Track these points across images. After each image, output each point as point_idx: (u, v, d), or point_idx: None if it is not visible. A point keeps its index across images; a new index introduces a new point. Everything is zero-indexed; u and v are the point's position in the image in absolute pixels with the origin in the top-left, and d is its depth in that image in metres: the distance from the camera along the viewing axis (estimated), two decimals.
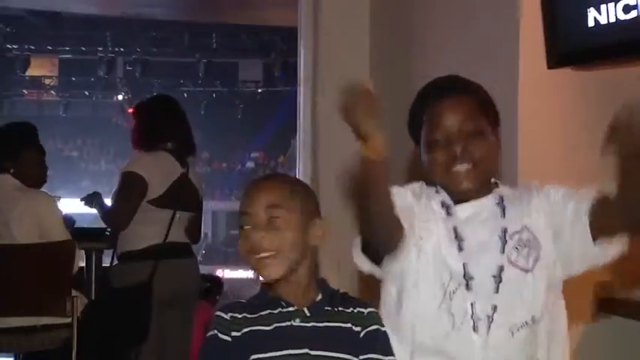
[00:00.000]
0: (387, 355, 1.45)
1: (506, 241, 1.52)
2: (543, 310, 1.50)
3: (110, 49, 17.59)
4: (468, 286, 1.50)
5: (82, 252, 3.32)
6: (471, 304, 1.49)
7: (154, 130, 3.22)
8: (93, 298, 3.52)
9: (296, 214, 1.46)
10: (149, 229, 3.12)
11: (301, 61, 3.40)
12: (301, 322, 1.44)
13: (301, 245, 1.47)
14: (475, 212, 1.56)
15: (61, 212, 3.20)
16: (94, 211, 3.37)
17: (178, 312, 3.20)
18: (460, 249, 1.52)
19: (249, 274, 18.72)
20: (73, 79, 19.35)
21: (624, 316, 2.11)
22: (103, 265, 3.77)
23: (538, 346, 1.50)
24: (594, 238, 1.48)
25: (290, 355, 1.41)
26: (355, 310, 1.46)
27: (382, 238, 1.50)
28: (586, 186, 1.97)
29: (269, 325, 1.44)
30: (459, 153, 1.51)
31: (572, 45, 2.11)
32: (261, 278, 1.47)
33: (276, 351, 1.41)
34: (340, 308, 1.47)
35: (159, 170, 3.15)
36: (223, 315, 1.46)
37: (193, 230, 3.30)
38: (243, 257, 1.45)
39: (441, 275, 1.51)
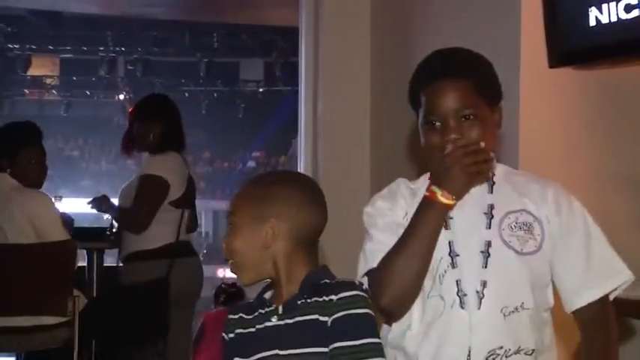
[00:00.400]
0: (360, 339, 1.36)
1: (492, 216, 1.51)
2: (532, 298, 1.49)
3: (111, 48, 17.57)
4: (453, 264, 1.49)
5: (83, 251, 3.32)
6: (457, 282, 1.48)
7: (171, 132, 3.24)
8: (94, 296, 3.52)
9: (245, 219, 1.45)
10: (162, 228, 3.16)
11: (302, 60, 3.40)
12: (277, 320, 1.42)
13: (256, 249, 1.45)
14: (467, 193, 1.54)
15: (58, 211, 3.19)
16: (95, 210, 3.37)
17: (183, 310, 3.23)
18: (446, 227, 1.51)
19: None
20: (74, 78, 19.32)
21: (626, 316, 2.11)
22: (105, 264, 3.78)
23: (528, 335, 1.48)
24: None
25: (261, 358, 1.39)
26: (327, 299, 1.40)
27: (409, 297, 1.48)
28: (586, 185, 1.97)
29: (251, 327, 1.44)
30: (454, 139, 1.49)
31: (574, 44, 2.11)
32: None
33: (255, 354, 1.40)
34: (314, 299, 1.41)
35: (176, 172, 3.21)
36: (229, 316, 1.49)
37: (193, 222, 3.37)
38: None
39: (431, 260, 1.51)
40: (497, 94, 1.57)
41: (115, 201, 3.38)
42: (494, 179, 1.56)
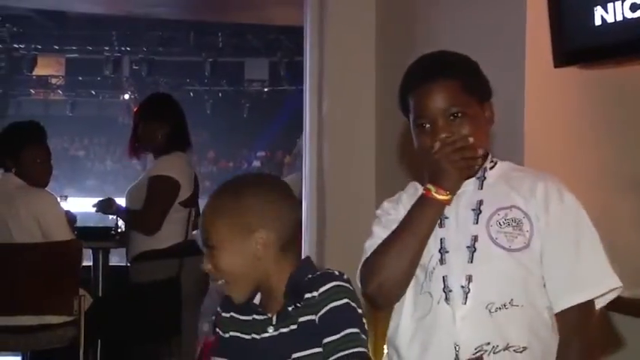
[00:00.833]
0: (340, 331, 1.36)
1: (480, 212, 1.52)
2: (524, 296, 1.48)
3: (116, 48, 17.60)
4: (442, 260, 1.51)
5: (88, 251, 3.33)
6: (443, 277, 1.49)
7: (176, 132, 3.25)
8: (100, 296, 3.53)
9: (227, 236, 1.43)
10: (172, 228, 3.18)
11: (307, 60, 3.40)
12: (274, 331, 1.42)
13: (246, 264, 1.43)
14: (461, 192, 1.56)
15: (63, 211, 3.20)
16: (101, 213, 3.38)
17: (191, 309, 3.24)
18: (441, 225, 1.53)
19: None
20: (80, 78, 19.36)
21: (630, 315, 2.10)
22: (110, 264, 3.79)
23: (518, 332, 1.47)
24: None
25: None
26: (310, 296, 1.40)
27: (394, 287, 1.51)
28: (590, 184, 1.96)
29: (249, 334, 1.44)
30: (444, 137, 1.50)
31: (579, 44, 2.10)
32: None
33: None
34: (302, 303, 1.42)
35: (184, 172, 3.22)
36: (220, 312, 1.49)
37: (196, 222, 3.38)
38: None
39: (423, 257, 1.52)
40: (486, 91, 1.58)
41: (121, 201, 3.39)
42: (486, 175, 1.56)
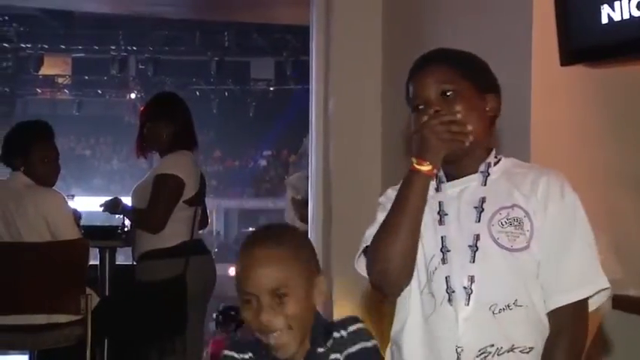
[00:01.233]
0: None
1: (482, 210, 1.49)
2: (528, 296, 1.46)
3: (123, 47, 17.63)
4: (444, 260, 1.48)
5: (95, 250, 3.34)
6: (446, 278, 1.48)
7: (182, 131, 3.25)
8: (107, 295, 3.54)
9: (301, 285, 1.41)
10: (177, 227, 3.18)
11: (313, 59, 3.40)
12: None
13: (309, 310, 1.43)
14: (463, 188, 1.53)
15: (71, 210, 3.21)
16: (108, 213, 3.39)
17: (197, 308, 3.24)
18: (441, 223, 1.51)
19: None
20: (86, 77, 19.41)
21: (636, 313, 2.10)
22: (116, 263, 3.79)
23: (524, 333, 1.46)
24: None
25: None
26: (337, 335, 1.41)
27: (395, 271, 1.49)
28: (596, 183, 1.95)
29: None
30: (434, 111, 1.49)
31: (586, 42, 2.10)
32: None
33: None
34: (330, 343, 1.41)
35: (190, 170, 3.22)
36: (233, 355, 1.44)
37: (202, 220, 3.39)
38: (252, 330, 1.42)
39: (424, 255, 1.51)
40: (486, 82, 1.56)
41: (127, 200, 3.39)
42: (490, 171, 1.53)
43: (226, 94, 19.58)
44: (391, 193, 1.58)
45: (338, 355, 1.40)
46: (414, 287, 1.52)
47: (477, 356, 1.44)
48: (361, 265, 1.56)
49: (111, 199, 3.37)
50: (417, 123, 1.52)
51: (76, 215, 3.43)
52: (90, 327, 3.00)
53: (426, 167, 1.47)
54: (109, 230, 3.63)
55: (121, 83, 19.47)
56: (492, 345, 1.45)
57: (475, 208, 1.50)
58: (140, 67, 18.74)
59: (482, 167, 1.54)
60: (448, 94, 1.50)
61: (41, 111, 17.90)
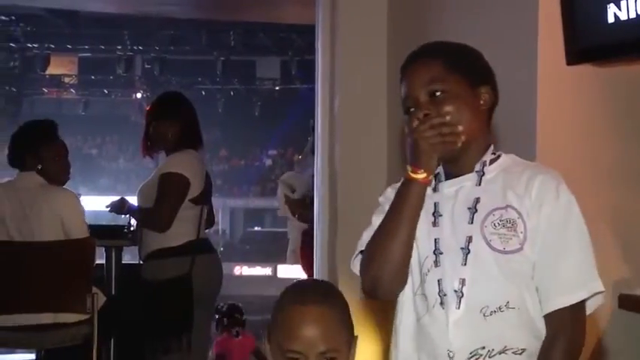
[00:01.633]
0: None
1: (476, 211, 1.47)
2: (520, 298, 1.45)
3: (129, 47, 17.67)
4: (436, 262, 1.47)
5: (101, 249, 3.35)
6: (438, 281, 1.46)
7: (187, 130, 3.26)
8: (113, 294, 3.55)
9: (346, 348, 1.43)
10: (183, 226, 3.19)
11: (319, 58, 3.40)
12: None
13: None
14: (459, 187, 1.51)
15: (83, 209, 3.21)
16: (115, 213, 3.40)
17: (203, 307, 3.25)
18: (435, 224, 1.49)
19: (266, 271, 18.74)
20: (92, 77, 19.46)
21: None
22: (123, 262, 3.80)
23: (515, 335, 1.44)
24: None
25: None
26: None
27: (388, 278, 1.48)
28: (603, 182, 1.94)
29: None
30: (424, 114, 1.47)
31: (592, 41, 2.09)
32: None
33: None
34: None
35: (196, 169, 3.22)
36: None
37: (209, 220, 3.40)
38: None
39: (418, 256, 1.49)
40: (475, 74, 1.52)
41: (133, 199, 3.40)
42: (485, 170, 1.50)
43: (232, 93, 19.60)
44: (390, 192, 1.57)
45: None
46: (408, 288, 1.51)
47: (469, 359, 1.43)
48: (357, 267, 1.55)
49: (117, 200, 3.38)
50: (408, 126, 1.49)
51: None
52: (96, 326, 3.00)
53: (420, 175, 1.46)
54: (116, 229, 3.64)
55: (127, 83, 19.51)
56: (484, 347, 1.43)
57: (469, 209, 1.48)
58: (146, 66, 18.77)
59: (477, 167, 1.51)
60: (437, 94, 1.47)
61: (48, 110, 17.95)
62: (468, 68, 1.51)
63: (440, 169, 1.53)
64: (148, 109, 3.52)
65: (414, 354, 1.50)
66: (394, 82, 3.43)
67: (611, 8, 2.02)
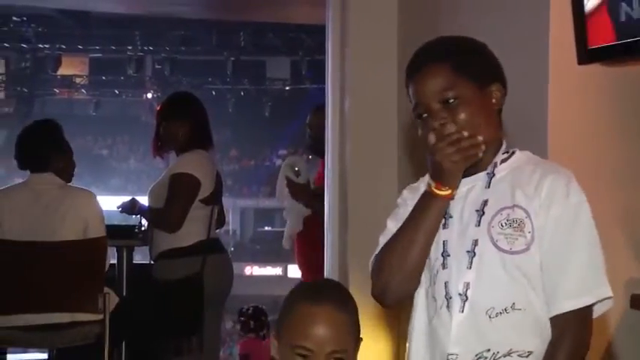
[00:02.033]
0: None
1: (483, 213, 1.46)
2: (526, 299, 1.43)
3: (139, 47, 17.74)
4: (444, 265, 1.46)
5: (112, 249, 3.36)
6: (445, 283, 1.46)
7: (198, 130, 3.26)
8: (124, 294, 3.56)
9: (353, 350, 1.46)
10: (194, 226, 3.20)
11: (329, 58, 3.40)
12: None
13: None
14: (470, 187, 1.49)
15: (101, 208, 3.22)
16: (126, 214, 3.41)
17: (214, 307, 3.26)
18: (445, 226, 1.48)
19: (277, 270, 18.76)
20: (103, 77, 19.54)
21: None
22: (134, 262, 3.82)
23: (522, 337, 1.43)
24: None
25: None
26: None
27: (398, 287, 1.49)
28: (614, 183, 1.93)
29: None
30: (439, 125, 1.44)
31: (603, 40, 2.08)
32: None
33: None
34: None
35: (207, 169, 3.23)
36: None
37: (221, 217, 3.41)
38: None
39: (429, 258, 1.49)
40: (485, 74, 1.49)
41: (144, 199, 3.42)
42: (496, 171, 1.49)
43: (242, 93, 19.63)
44: (407, 194, 1.57)
45: None
46: (422, 289, 1.51)
47: None
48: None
49: (128, 201, 3.39)
50: (423, 131, 1.48)
51: None
52: (108, 326, 3.01)
53: (445, 192, 1.45)
54: (127, 229, 3.66)
55: (138, 83, 19.58)
56: (489, 350, 1.42)
57: (477, 211, 1.47)
58: (157, 66, 18.83)
59: (489, 168, 1.50)
60: (451, 101, 1.45)
61: (59, 111, 18.04)
62: (477, 69, 1.49)
63: None
64: (158, 109, 3.54)
65: (425, 354, 1.50)
66: (405, 83, 3.42)
67: (623, 7, 2.01)
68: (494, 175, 1.49)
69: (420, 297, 1.52)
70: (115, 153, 22.60)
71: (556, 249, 1.43)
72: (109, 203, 3.65)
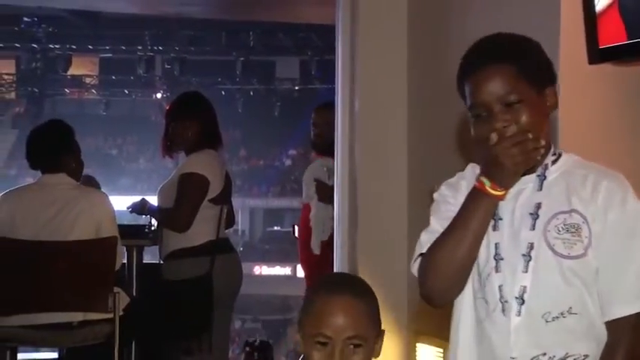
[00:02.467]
0: None
1: (538, 216, 1.45)
2: (582, 303, 1.44)
3: (149, 47, 17.78)
4: (497, 268, 1.46)
5: (124, 248, 3.36)
6: (499, 287, 1.45)
7: (206, 130, 3.27)
8: (134, 294, 3.57)
9: (372, 339, 1.48)
10: (203, 226, 3.20)
11: (339, 58, 3.40)
12: None
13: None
14: (520, 190, 1.49)
15: (114, 209, 3.23)
16: (137, 214, 3.42)
17: (223, 307, 3.26)
18: (495, 228, 1.47)
19: (286, 270, 18.77)
20: (113, 77, 19.60)
21: None
22: (144, 262, 3.83)
23: (578, 341, 1.44)
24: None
25: None
26: None
27: (449, 288, 1.49)
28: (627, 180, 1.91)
29: None
30: (502, 127, 1.43)
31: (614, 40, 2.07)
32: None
33: None
34: None
35: (216, 169, 3.24)
36: None
37: (230, 218, 3.41)
38: None
39: (478, 260, 1.48)
40: (546, 77, 1.50)
41: (154, 199, 3.42)
42: (547, 173, 1.49)
43: (251, 93, 19.65)
44: (445, 190, 1.56)
45: None
46: (468, 291, 1.51)
47: None
48: (416, 270, 1.54)
49: (138, 201, 3.40)
50: (478, 131, 1.47)
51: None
52: (118, 325, 3.02)
53: (500, 192, 1.44)
54: (137, 229, 3.67)
55: (148, 83, 19.62)
56: (544, 354, 1.43)
57: (530, 214, 1.46)
58: (166, 66, 18.87)
59: (539, 170, 1.49)
60: (514, 105, 1.45)
61: (69, 111, 18.12)
62: (537, 72, 1.49)
63: None
64: (167, 109, 3.54)
65: (473, 356, 1.50)
66: (415, 82, 3.41)
67: (634, 7, 2.00)
68: (545, 177, 1.49)
69: (466, 298, 1.51)
70: (124, 153, 22.67)
71: (614, 255, 1.44)
72: (119, 203, 3.65)
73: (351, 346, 1.43)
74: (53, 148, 3.16)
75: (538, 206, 1.47)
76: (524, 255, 1.45)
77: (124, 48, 18.03)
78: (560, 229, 1.45)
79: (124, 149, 22.68)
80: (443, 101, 2.91)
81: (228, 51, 17.81)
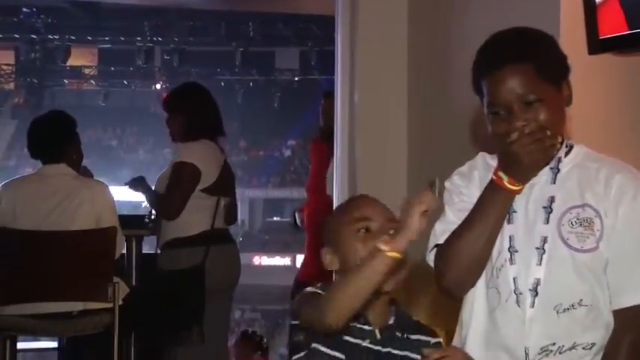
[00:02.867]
0: None
1: (551, 210, 1.48)
2: (592, 295, 1.47)
3: (148, 38, 17.77)
4: (511, 260, 1.48)
5: (124, 238, 3.37)
6: (514, 279, 1.48)
7: (202, 120, 3.27)
8: (134, 284, 3.57)
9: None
10: (198, 216, 3.20)
11: (338, 49, 3.39)
12: (370, 343, 1.46)
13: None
14: (533, 183, 1.51)
15: (114, 200, 3.23)
16: (134, 199, 3.43)
17: (220, 298, 3.26)
18: (509, 221, 1.50)
19: (285, 261, 18.78)
20: (112, 68, 19.58)
21: None
22: (143, 252, 3.83)
23: (586, 331, 1.47)
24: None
25: None
26: (424, 339, 1.51)
27: (467, 280, 1.52)
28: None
29: (343, 337, 1.46)
30: (522, 126, 1.45)
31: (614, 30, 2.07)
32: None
33: None
34: (408, 336, 1.49)
35: (210, 159, 3.23)
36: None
37: (231, 214, 3.39)
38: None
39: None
40: (562, 72, 1.52)
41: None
42: (560, 166, 1.51)
43: (251, 84, 19.64)
44: (459, 181, 1.57)
45: (417, 356, 1.48)
46: (481, 281, 1.53)
47: (539, 354, 1.46)
48: (432, 260, 1.56)
49: (136, 177, 3.44)
50: (496, 128, 1.48)
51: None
52: (117, 315, 3.03)
53: (517, 187, 1.47)
54: (136, 219, 3.67)
55: (147, 74, 19.61)
56: (554, 343, 1.46)
57: (544, 208, 1.49)
58: (165, 57, 18.86)
59: (552, 163, 1.51)
60: (533, 104, 1.46)
61: (68, 101, 18.08)
62: (555, 70, 1.50)
63: None
64: (163, 99, 3.56)
65: (482, 344, 1.52)
66: (415, 73, 3.41)
67: None
68: (558, 170, 1.51)
69: (479, 288, 1.53)
70: (124, 144, 22.66)
71: (625, 247, 1.47)
72: (119, 194, 3.66)
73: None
74: (56, 139, 3.16)
75: (552, 200, 1.49)
76: (537, 248, 1.48)
77: (123, 39, 18.01)
78: (574, 222, 1.47)
79: (123, 140, 22.66)
80: (443, 92, 2.91)
81: (228, 42, 17.80)
